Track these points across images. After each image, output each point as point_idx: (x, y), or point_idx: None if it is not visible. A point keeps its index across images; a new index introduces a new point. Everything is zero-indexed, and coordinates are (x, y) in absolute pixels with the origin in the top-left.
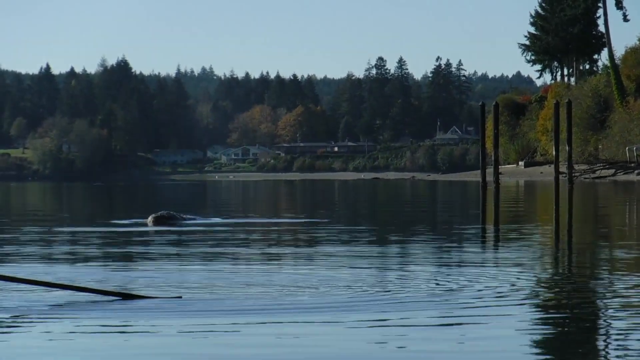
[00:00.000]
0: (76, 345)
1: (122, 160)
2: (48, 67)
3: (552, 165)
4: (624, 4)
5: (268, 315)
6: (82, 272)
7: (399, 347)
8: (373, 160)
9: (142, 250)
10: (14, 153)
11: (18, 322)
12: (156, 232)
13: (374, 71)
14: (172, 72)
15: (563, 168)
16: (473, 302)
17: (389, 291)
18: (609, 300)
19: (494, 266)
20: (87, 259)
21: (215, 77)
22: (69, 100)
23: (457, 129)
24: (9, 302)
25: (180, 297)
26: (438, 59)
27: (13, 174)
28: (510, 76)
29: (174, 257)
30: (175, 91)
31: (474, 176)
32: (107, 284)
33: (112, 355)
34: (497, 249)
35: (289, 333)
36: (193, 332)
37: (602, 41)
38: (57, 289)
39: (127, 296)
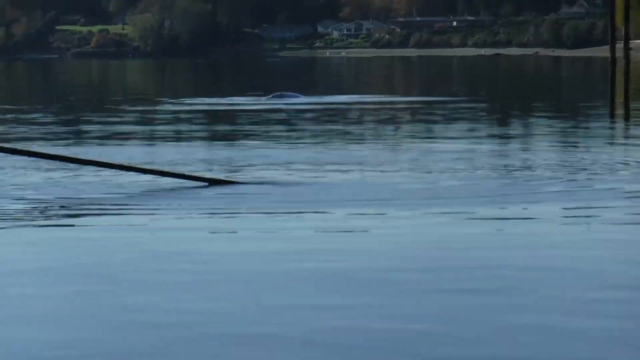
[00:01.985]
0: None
1: (228, 36)
2: None
3: None
4: None
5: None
6: (184, 151)
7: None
8: (494, 35)
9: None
10: (113, 29)
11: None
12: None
13: None
14: None
15: None
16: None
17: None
18: None
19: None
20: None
21: None
22: None
23: (584, 2)
24: (85, 190)
25: (276, 182)
26: None
27: (112, 50)
28: None
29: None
30: None
31: (602, 52)
32: (208, 165)
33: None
34: (629, 127)
35: (397, 225)
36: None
37: None
38: (135, 173)
39: (214, 182)
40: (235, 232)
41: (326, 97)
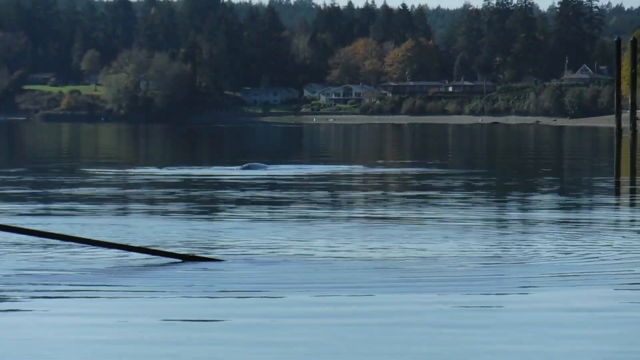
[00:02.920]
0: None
1: (208, 100)
2: None
3: None
4: None
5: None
6: (156, 224)
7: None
8: (492, 103)
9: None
10: (85, 90)
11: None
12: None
13: (494, 1)
14: (265, 0)
15: None
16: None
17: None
18: None
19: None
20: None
21: (313, 6)
22: (147, 31)
23: (587, 68)
24: (55, 265)
25: (252, 259)
26: None
27: (84, 114)
28: None
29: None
30: (268, 21)
31: (606, 121)
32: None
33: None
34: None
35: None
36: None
37: None
38: (105, 248)
39: (188, 258)
40: (210, 320)
41: (302, 167)
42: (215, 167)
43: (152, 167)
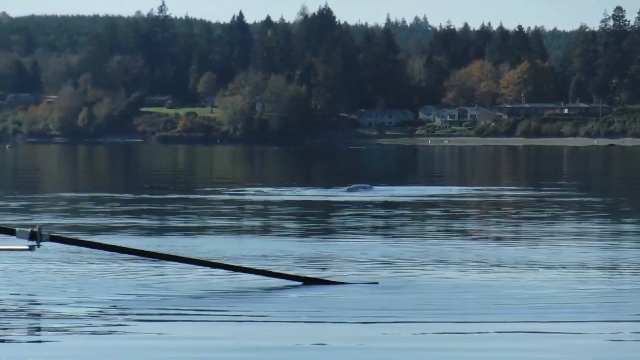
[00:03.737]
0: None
1: (323, 121)
2: (241, 16)
3: None
4: None
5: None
6: (273, 245)
7: None
8: (608, 125)
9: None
10: (201, 112)
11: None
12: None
13: (610, 22)
14: (381, 22)
15: None
16: None
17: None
18: None
19: None
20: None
21: (429, 28)
22: (263, 53)
23: None
24: (172, 287)
25: (377, 282)
26: None
27: (200, 136)
28: None
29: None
30: (384, 44)
31: None
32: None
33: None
34: None
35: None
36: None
37: None
38: (221, 269)
39: (310, 281)
40: (327, 346)
41: (412, 189)
42: (322, 189)
43: (267, 188)
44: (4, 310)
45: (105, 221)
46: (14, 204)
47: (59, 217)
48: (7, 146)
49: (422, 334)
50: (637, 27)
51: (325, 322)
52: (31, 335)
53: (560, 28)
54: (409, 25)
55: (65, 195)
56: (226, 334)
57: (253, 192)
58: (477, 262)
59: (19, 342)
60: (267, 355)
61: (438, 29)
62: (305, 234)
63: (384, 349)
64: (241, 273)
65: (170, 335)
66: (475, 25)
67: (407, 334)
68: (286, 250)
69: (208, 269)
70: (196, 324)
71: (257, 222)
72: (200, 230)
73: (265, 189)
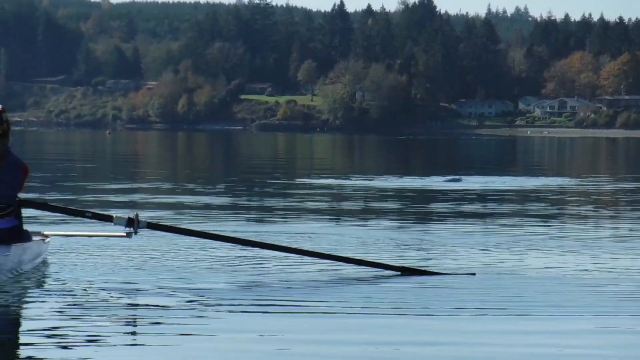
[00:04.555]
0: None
1: (422, 111)
2: (342, 4)
3: None
4: None
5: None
6: (371, 234)
7: None
8: None
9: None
10: (302, 100)
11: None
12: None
13: None
14: (482, 12)
15: None
16: None
17: None
18: None
19: None
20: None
21: (530, 19)
22: (364, 42)
23: None
24: (268, 278)
25: (474, 273)
26: None
27: (299, 124)
28: None
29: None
30: (485, 34)
31: None
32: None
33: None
34: None
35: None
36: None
37: None
38: (317, 258)
39: (408, 271)
40: (428, 343)
41: (511, 179)
42: (420, 178)
43: (366, 177)
44: (99, 300)
45: (203, 209)
46: (112, 191)
47: (157, 204)
48: (107, 132)
49: (521, 329)
50: None
51: (424, 314)
52: (127, 326)
53: None
54: (509, 15)
55: (164, 182)
56: (322, 327)
57: (353, 180)
58: (577, 254)
59: (115, 334)
60: (362, 348)
61: (539, 19)
62: (403, 222)
63: (484, 344)
64: (338, 262)
65: (262, 328)
66: (576, 16)
67: (507, 328)
68: (384, 239)
69: (305, 257)
70: (290, 316)
71: (356, 210)
72: (299, 218)
73: (364, 177)
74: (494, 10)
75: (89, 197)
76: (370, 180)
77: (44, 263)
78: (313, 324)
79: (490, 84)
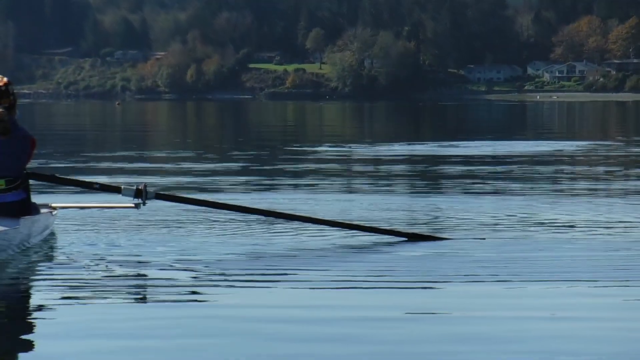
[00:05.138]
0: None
1: (431, 77)
2: None
3: None
4: None
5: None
6: (379, 201)
7: None
8: None
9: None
10: (310, 68)
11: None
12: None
13: None
14: None
15: None
16: None
17: None
18: None
19: None
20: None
21: None
22: (372, 10)
23: None
24: (278, 246)
25: (484, 238)
26: None
27: (309, 92)
28: None
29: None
30: (492, 0)
31: None
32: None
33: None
34: None
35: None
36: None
37: None
38: (326, 226)
39: (416, 237)
40: (439, 309)
41: (522, 143)
42: (431, 143)
43: (375, 144)
44: (107, 272)
45: (213, 178)
46: (121, 161)
47: (166, 174)
48: (116, 103)
49: (531, 294)
50: None
51: (435, 280)
52: (136, 302)
53: None
54: None
55: (173, 152)
56: (330, 298)
57: (362, 147)
58: (588, 221)
59: (124, 304)
60: (372, 317)
61: None
62: (413, 189)
63: (494, 308)
64: (346, 229)
65: (271, 300)
66: None
67: (518, 292)
68: (392, 206)
69: (314, 225)
70: (299, 287)
71: (364, 176)
72: (308, 187)
73: (374, 144)
74: None
75: (98, 167)
76: (379, 146)
77: (52, 235)
78: (322, 294)
79: (499, 49)
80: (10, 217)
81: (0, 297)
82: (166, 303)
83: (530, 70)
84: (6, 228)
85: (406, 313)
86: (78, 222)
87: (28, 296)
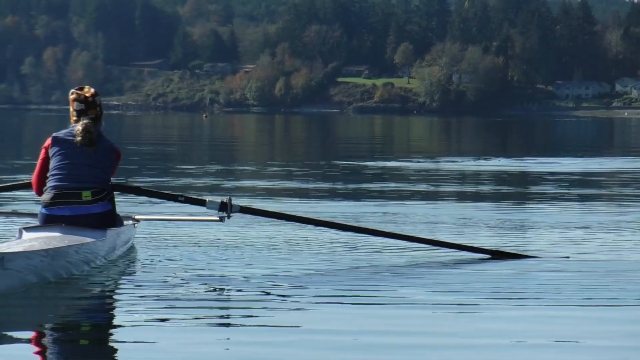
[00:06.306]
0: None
1: (519, 93)
2: None
3: None
4: None
5: None
6: (462, 212)
7: None
8: None
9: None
10: (398, 83)
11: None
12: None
13: None
14: None
15: None
16: None
17: None
18: None
19: None
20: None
21: (627, 0)
22: (460, 24)
23: None
24: (352, 264)
25: (568, 257)
26: None
27: (396, 106)
28: None
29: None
30: (581, 16)
31: None
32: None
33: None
34: None
35: None
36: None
37: None
38: (410, 242)
39: (500, 254)
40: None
41: (608, 160)
42: (517, 159)
43: (463, 159)
44: (189, 288)
45: (299, 192)
46: (208, 174)
47: (252, 188)
48: (204, 115)
49: (612, 317)
50: None
51: (518, 298)
52: (217, 317)
53: None
54: None
55: (260, 165)
56: (412, 317)
57: (449, 162)
58: None
59: (205, 325)
60: (454, 336)
61: (635, 0)
62: (498, 203)
63: (575, 329)
64: (429, 246)
65: (352, 319)
66: None
67: (600, 315)
68: (477, 221)
69: (398, 241)
70: (381, 306)
71: (451, 192)
72: (394, 199)
73: (461, 159)
74: None
75: (183, 181)
76: (466, 161)
77: (133, 248)
78: (404, 314)
79: (587, 65)
80: (97, 228)
81: (82, 312)
82: (248, 327)
83: (618, 87)
84: (93, 239)
85: (486, 334)
86: (161, 234)
87: (112, 311)
